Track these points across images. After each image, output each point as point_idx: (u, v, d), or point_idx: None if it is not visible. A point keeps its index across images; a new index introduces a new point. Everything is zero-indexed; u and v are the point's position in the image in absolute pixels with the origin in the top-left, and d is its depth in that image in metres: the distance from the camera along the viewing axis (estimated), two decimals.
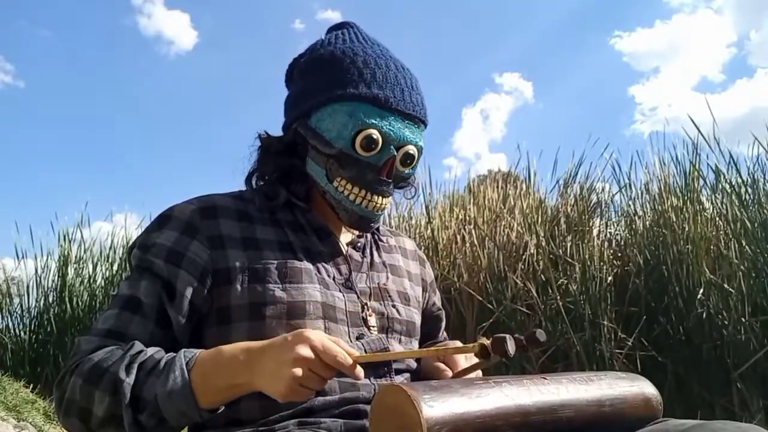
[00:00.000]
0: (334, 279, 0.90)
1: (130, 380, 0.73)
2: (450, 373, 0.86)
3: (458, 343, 0.89)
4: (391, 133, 0.88)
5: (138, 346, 0.78)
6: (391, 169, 0.89)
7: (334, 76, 0.90)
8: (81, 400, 0.76)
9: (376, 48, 0.94)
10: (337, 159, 0.88)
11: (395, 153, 0.89)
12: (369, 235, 1.01)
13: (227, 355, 0.74)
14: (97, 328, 0.83)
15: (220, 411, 0.76)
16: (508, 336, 0.70)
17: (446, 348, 0.81)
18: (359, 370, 0.74)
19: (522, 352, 0.73)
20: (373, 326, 0.89)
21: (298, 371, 0.69)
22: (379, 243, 1.02)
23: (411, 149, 0.91)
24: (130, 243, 0.92)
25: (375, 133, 0.87)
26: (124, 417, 0.73)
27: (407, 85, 0.91)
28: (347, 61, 0.90)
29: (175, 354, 0.76)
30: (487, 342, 0.72)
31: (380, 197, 0.90)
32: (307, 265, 0.88)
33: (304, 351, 0.70)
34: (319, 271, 0.89)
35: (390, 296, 0.94)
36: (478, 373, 0.90)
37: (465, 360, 0.88)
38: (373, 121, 0.87)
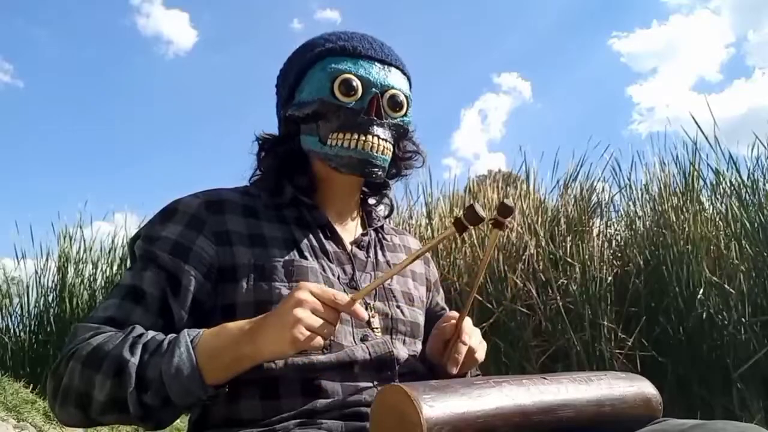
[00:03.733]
0: (338, 278, 0.89)
1: (135, 360, 0.72)
2: (454, 322, 0.87)
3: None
4: (368, 76, 0.90)
5: (138, 328, 0.76)
6: (378, 109, 0.90)
7: (303, 51, 0.95)
8: (80, 385, 0.74)
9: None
10: (323, 115, 0.90)
11: (378, 93, 0.90)
12: (373, 234, 1.00)
13: (231, 329, 0.74)
14: (96, 315, 0.81)
15: (225, 389, 0.75)
16: (475, 203, 0.72)
17: (427, 245, 0.85)
18: (359, 308, 0.75)
19: (500, 228, 0.75)
20: (377, 327, 0.89)
21: (300, 311, 0.70)
22: (384, 242, 1.02)
23: (396, 93, 0.92)
24: (133, 234, 0.91)
25: (351, 77, 0.90)
26: (129, 398, 0.71)
27: (375, 40, 0.95)
28: (314, 39, 0.96)
29: (177, 334, 0.75)
30: (457, 216, 0.74)
31: (374, 137, 0.89)
32: (312, 263, 0.88)
33: (303, 295, 0.71)
34: (324, 270, 0.88)
35: (394, 296, 0.94)
36: (482, 351, 0.91)
37: (466, 322, 0.89)
38: (346, 66, 0.90)
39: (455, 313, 0.92)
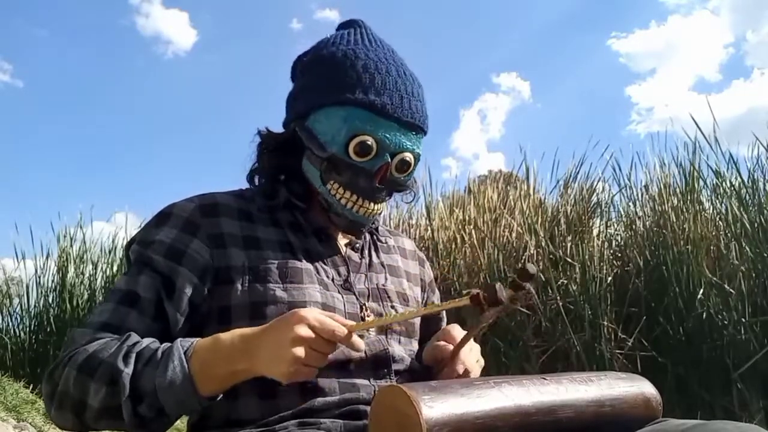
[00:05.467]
0: (333, 280, 0.90)
1: (128, 370, 0.72)
2: (451, 347, 0.86)
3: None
4: (386, 140, 0.88)
5: (134, 337, 0.77)
6: (384, 176, 0.89)
7: (332, 79, 0.90)
8: (75, 392, 0.75)
9: (380, 51, 0.93)
10: (331, 162, 0.88)
11: (389, 160, 0.89)
12: (368, 236, 1.01)
13: (225, 343, 0.74)
14: (92, 321, 0.81)
15: (218, 398, 0.76)
16: (498, 284, 0.71)
17: (440, 304, 0.81)
18: (357, 341, 0.75)
19: (518, 292, 0.73)
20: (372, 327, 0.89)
21: (299, 351, 0.70)
22: (378, 244, 1.02)
23: (407, 156, 0.91)
24: (129, 239, 0.91)
25: (369, 140, 0.87)
26: (124, 409, 0.72)
27: (407, 91, 0.90)
28: (347, 64, 0.90)
29: (171, 343, 0.75)
30: (478, 292, 0.72)
31: (372, 203, 0.90)
32: (307, 265, 0.88)
33: (302, 330, 0.70)
34: (318, 272, 0.89)
35: (389, 297, 0.94)
36: (480, 365, 0.90)
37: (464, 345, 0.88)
38: (368, 127, 0.87)
39: (455, 331, 0.90)
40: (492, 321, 0.74)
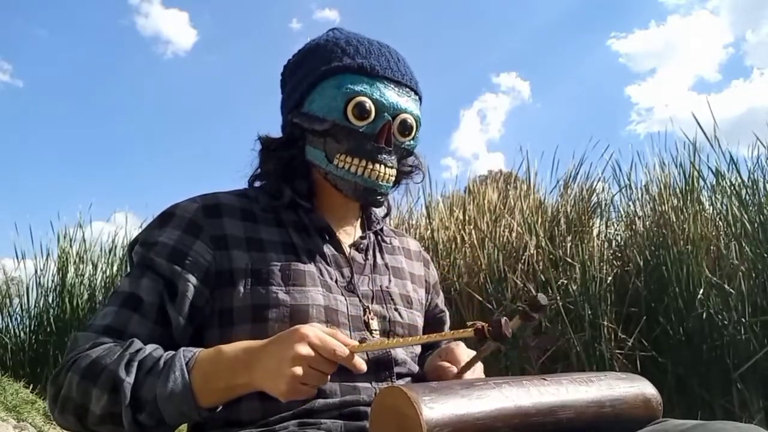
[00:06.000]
0: (336, 282, 0.89)
1: (130, 379, 0.72)
2: (455, 369, 0.86)
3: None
4: (383, 100, 0.89)
5: (137, 344, 0.77)
6: (389, 136, 0.89)
7: (318, 59, 0.93)
8: (78, 396, 0.75)
9: (361, 35, 0.96)
10: (333, 134, 0.89)
11: (390, 119, 0.89)
12: (372, 236, 1.00)
13: (227, 356, 0.74)
14: (95, 324, 0.81)
15: (218, 410, 0.76)
16: (503, 318, 0.70)
17: (443, 334, 0.81)
18: (358, 362, 0.73)
19: (528, 322, 0.72)
20: (375, 330, 0.88)
21: (299, 370, 0.69)
22: (383, 244, 1.01)
23: (407, 117, 0.91)
24: (131, 239, 0.91)
25: (366, 100, 0.88)
26: (124, 417, 0.72)
27: (392, 57, 0.93)
28: (330, 44, 0.94)
29: (174, 352, 0.75)
30: (482, 325, 0.71)
31: (382, 166, 0.89)
32: (310, 267, 0.87)
33: (303, 349, 0.70)
34: (321, 274, 0.88)
35: (392, 299, 0.94)
36: (480, 368, 0.90)
37: (467, 356, 0.88)
38: (362, 88, 0.88)
39: (459, 350, 0.89)
40: (496, 349, 0.73)
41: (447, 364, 0.88)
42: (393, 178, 0.93)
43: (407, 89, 0.92)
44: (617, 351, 2.90)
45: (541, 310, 0.71)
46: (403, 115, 0.91)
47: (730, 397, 2.69)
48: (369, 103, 0.88)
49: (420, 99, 0.96)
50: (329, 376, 0.73)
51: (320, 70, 0.91)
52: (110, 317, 0.81)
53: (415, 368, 0.91)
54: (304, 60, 0.96)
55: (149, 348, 0.77)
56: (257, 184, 0.97)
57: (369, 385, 0.84)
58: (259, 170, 0.96)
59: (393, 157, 0.91)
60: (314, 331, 0.72)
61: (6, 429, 2.29)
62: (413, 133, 0.93)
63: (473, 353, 0.88)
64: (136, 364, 0.74)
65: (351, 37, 0.94)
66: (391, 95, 0.90)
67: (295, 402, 0.79)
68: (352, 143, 0.88)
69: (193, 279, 0.82)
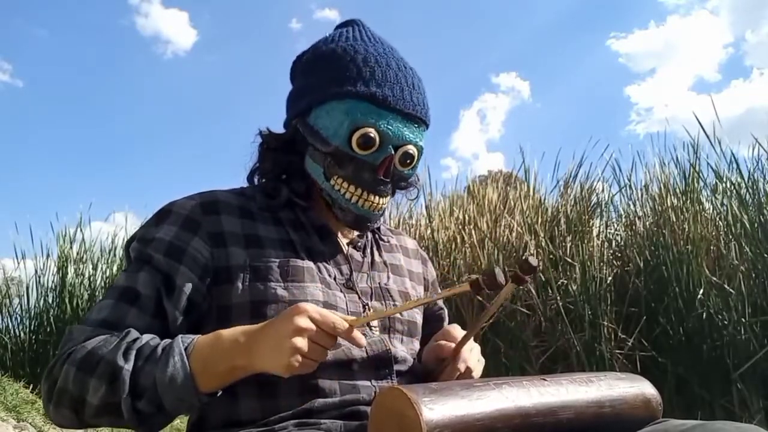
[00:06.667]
0: (335, 279, 0.89)
1: (128, 366, 0.72)
2: (452, 345, 0.87)
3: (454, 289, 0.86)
4: (389, 132, 0.88)
5: (133, 333, 0.76)
6: (388, 169, 0.89)
7: (332, 74, 0.90)
8: (74, 389, 0.74)
9: (378, 46, 0.93)
10: (334, 157, 0.88)
11: (393, 152, 0.89)
12: (370, 235, 1.00)
13: (226, 339, 0.74)
14: (91, 318, 0.81)
15: (218, 395, 0.75)
16: (497, 268, 0.71)
17: (439, 293, 0.81)
18: (357, 335, 0.75)
19: (519, 284, 0.73)
20: (375, 326, 0.89)
21: (299, 341, 0.70)
22: (380, 242, 1.02)
23: (410, 149, 0.91)
24: (129, 237, 0.91)
25: (372, 132, 0.87)
26: (123, 405, 0.71)
27: (408, 83, 0.90)
28: (347, 59, 0.90)
29: (172, 340, 0.75)
30: (477, 277, 0.72)
31: (377, 197, 0.90)
32: (308, 264, 0.88)
33: (303, 322, 0.70)
34: (320, 271, 0.88)
35: (391, 296, 0.94)
36: (480, 369, 0.90)
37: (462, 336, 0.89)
38: (371, 119, 0.87)
39: (455, 331, 0.91)
40: (492, 317, 0.74)
41: (444, 342, 0.89)
42: (386, 204, 0.93)
43: (416, 120, 0.91)
44: (617, 351, 2.90)
45: (532, 271, 0.72)
46: (407, 146, 0.90)
47: (730, 397, 2.69)
48: (374, 134, 0.87)
49: (428, 126, 0.94)
50: (328, 352, 0.74)
51: (332, 90, 0.89)
52: (107, 311, 0.81)
53: (416, 366, 0.91)
54: (318, 66, 0.93)
55: (146, 337, 0.76)
56: (255, 180, 0.97)
57: (369, 383, 0.84)
58: (257, 165, 0.96)
59: (389, 187, 0.91)
60: (313, 306, 0.73)
61: (6, 429, 2.29)
62: (414, 163, 0.93)
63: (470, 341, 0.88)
64: (134, 351, 0.73)
65: (370, 53, 0.91)
66: (399, 127, 0.88)
67: (295, 402, 0.79)
68: (352, 171, 0.88)
69: (190, 274, 0.82)
